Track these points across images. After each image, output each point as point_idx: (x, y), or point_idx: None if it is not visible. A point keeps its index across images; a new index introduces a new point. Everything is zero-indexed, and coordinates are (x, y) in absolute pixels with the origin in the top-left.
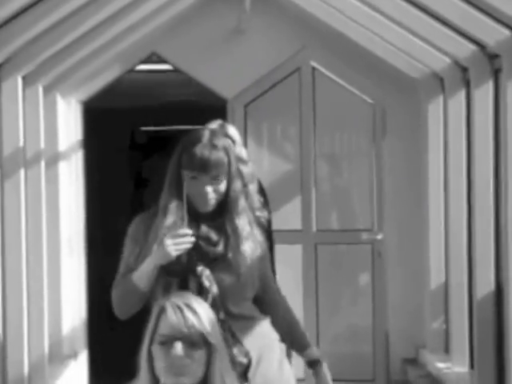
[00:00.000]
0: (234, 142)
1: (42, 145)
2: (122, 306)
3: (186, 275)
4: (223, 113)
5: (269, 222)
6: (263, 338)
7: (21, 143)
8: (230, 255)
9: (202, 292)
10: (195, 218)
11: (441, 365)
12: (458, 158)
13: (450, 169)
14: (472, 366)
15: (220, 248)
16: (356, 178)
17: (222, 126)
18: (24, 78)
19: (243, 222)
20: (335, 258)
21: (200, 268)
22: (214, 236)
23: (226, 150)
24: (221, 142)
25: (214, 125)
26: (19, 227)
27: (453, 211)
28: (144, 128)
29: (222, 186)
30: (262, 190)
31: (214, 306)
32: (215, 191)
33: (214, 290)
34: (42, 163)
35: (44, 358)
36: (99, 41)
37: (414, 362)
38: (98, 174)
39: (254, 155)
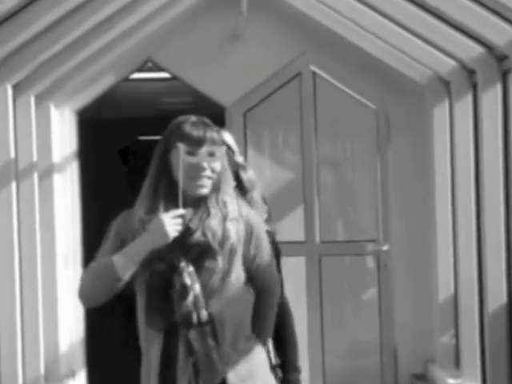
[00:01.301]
0: (232, 150)
1: (35, 157)
2: (92, 292)
3: (171, 274)
4: (222, 121)
5: (273, 233)
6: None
7: (12, 155)
8: (209, 238)
9: (184, 291)
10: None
11: (451, 380)
12: (465, 164)
13: (458, 176)
14: (484, 381)
15: (198, 234)
16: (360, 186)
17: (218, 133)
18: (14, 87)
19: (231, 202)
20: (340, 270)
21: (182, 264)
22: (193, 223)
23: (217, 130)
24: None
25: None
26: (11, 243)
27: (461, 220)
28: (141, 138)
29: (218, 165)
30: (263, 200)
31: (196, 305)
32: (211, 169)
33: (197, 288)
34: (35, 176)
35: (40, 378)
36: (93, 47)
37: (423, 377)
38: (95, 186)
39: (254, 164)
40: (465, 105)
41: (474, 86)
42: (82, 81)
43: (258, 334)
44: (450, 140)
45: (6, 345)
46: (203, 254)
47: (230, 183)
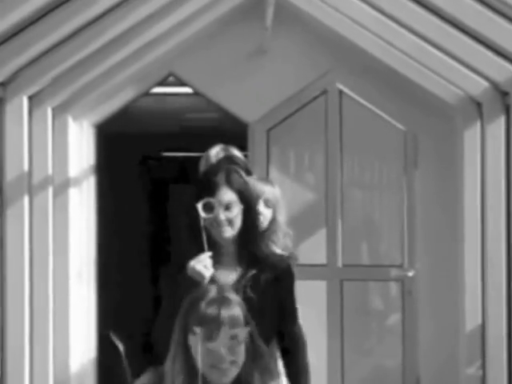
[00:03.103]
0: (248, 172)
1: (51, 171)
2: None
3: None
4: (244, 138)
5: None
6: None
7: (25, 168)
8: None
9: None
10: None
11: None
12: (497, 189)
13: (489, 201)
14: None
15: None
16: (385, 209)
17: (226, 150)
18: (31, 99)
19: None
20: (362, 295)
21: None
22: None
23: (241, 304)
24: (234, 296)
25: (216, 149)
26: (22, 259)
27: (491, 247)
28: (163, 154)
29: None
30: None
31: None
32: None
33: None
34: (50, 190)
35: None
36: (113, 59)
37: None
38: (112, 202)
39: (276, 183)
40: (497, 128)
41: (507, 108)
42: (101, 94)
43: None
44: (481, 164)
45: (15, 364)
46: None
47: None
